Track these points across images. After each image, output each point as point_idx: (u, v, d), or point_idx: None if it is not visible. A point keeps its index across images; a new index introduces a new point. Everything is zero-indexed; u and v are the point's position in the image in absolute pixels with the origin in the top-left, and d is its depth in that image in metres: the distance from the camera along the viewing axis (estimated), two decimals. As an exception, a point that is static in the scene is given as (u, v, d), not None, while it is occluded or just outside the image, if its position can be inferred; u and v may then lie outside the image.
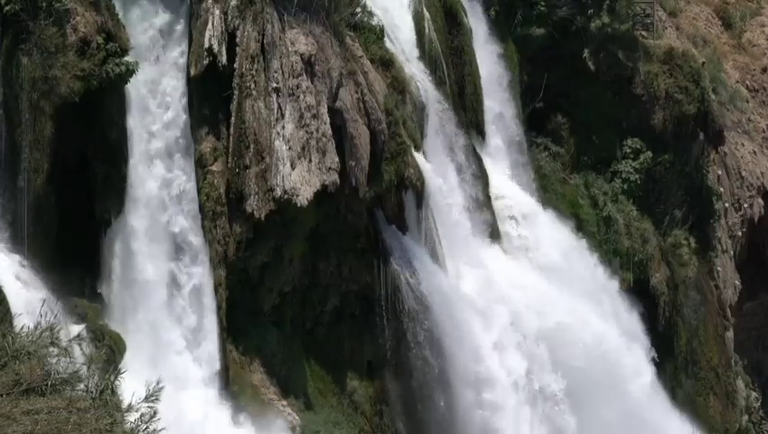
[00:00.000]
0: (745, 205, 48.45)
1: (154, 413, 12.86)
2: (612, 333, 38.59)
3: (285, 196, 30.10)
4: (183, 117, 29.98)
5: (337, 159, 31.13)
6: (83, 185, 28.11)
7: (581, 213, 41.93)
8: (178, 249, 29.74)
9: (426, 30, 36.85)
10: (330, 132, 31.08)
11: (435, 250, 34.68)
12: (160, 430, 12.99)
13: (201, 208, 30.13)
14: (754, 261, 49.32)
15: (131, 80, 28.04)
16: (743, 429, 46.27)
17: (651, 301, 42.52)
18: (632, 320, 40.82)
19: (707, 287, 45.48)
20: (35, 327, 13.51)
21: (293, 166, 30.34)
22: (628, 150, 43.42)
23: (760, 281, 49.43)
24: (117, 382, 13.53)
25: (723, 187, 46.92)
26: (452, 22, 38.43)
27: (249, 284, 31.30)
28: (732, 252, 47.57)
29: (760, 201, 49.05)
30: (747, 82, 51.13)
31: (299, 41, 31.15)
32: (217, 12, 30.14)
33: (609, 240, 42.03)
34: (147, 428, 12.76)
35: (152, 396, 12.56)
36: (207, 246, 30.04)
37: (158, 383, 12.66)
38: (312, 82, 31.07)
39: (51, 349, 13.34)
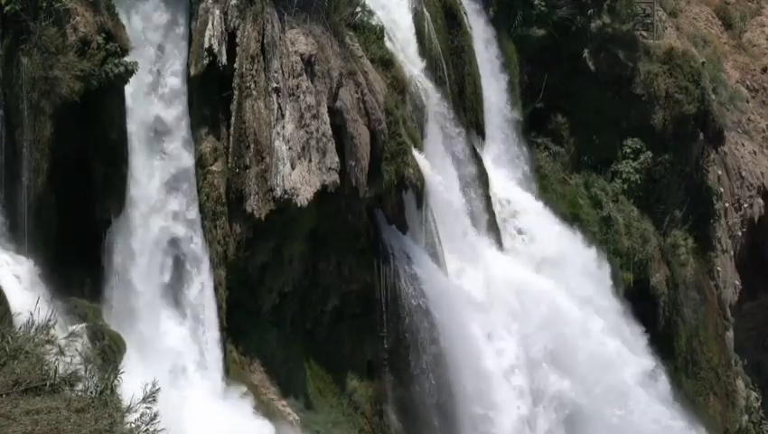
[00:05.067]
0: (745, 205, 48.43)
1: (155, 415, 12.85)
2: (608, 328, 38.61)
3: (285, 196, 30.10)
4: (183, 117, 29.97)
5: (337, 159, 31.13)
6: (83, 185, 28.08)
7: (581, 213, 41.89)
8: (178, 249, 29.75)
9: (426, 30, 36.83)
10: (330, 132, 31.08)
11: (435, 249, 34.68)
12: (160, 431, 12.98)
13: (201, 208, 30.13)
14: (754, 261, 49.29)
15: (131, 79, 28.05)
16: (743, 429, 46.24)
17: (651, 301, 42.51)
18: (629, 320, 40.86)
19: (706, 287, 45.45)
20: (31, 325, 13.51)
21: (293, 166, 30.35)
22: (628, 150, 43.39)
23: (760, 281, 49.40)
24: (116, 382, 13.51)
25: (723, 187, 46.89)
26: (452, 22, 38.42)
27: (249, 284, 31.29)
28: (732, 252, 47.54)
29: (760, 201, 49.02)
30: (747, 82, 51.11)
31: (299, 41, 31.15)
32: (217, 12, 30.14)
33: (609, 240, 41.99)
34: (147, 429, 12.75)
35: (149, 397, 12.56)
36: (207, 246, 30.04)
37: (154, 385, 12.64)
38: (312, 82, 31.07)
39: (48, 347, 13.34)
